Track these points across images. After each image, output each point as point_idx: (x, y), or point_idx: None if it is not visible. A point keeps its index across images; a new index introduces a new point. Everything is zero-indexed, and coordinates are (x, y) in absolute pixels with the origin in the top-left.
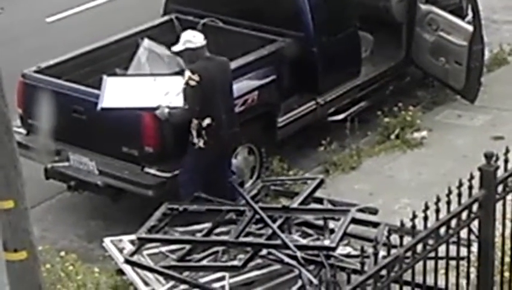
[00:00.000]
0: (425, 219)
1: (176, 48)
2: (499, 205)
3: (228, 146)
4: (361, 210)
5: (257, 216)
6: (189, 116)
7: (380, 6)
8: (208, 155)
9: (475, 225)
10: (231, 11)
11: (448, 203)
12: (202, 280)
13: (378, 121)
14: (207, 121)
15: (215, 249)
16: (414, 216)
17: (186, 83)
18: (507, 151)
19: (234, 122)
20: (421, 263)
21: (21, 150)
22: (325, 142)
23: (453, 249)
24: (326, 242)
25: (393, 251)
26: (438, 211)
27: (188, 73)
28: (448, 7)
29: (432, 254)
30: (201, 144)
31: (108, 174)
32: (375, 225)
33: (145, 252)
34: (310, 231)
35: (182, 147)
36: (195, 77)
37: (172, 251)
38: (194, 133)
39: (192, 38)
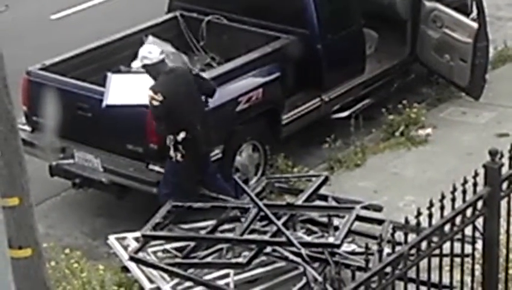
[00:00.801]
0: (430, 216)
1: (134, 65)
2: (503, 202)
3: (207, 155)
4: (365, 207)
5: (262, 213)
6: (164, 133)
7: (385, 3)
8: (187, 168)
9: (480, 222)
10: (235, 8)
11: (453, 200)
12: (207, 277)
13: (382, 118)
14: (182, 135)
15: (219, 246)
16: (419, 213)
17: (150, 103)
18: None
19: (209, 130)
20: (425, 260)
21: (26, 148)
22: (329, 140)
23: (457, 246)
24: (331, 239)
25: (397, 248)
26: (442, 208)
27: (150, 93)
28: (453, 4)
29: (437, 251)
30: (178, 157)
31: (113, 171)
32: (380, 222)
33: (149, 250)
34: (314, 228)
35: None
36: (158, 97)
37: (177, 248)
38: (171, 147)
39: (148, 55)
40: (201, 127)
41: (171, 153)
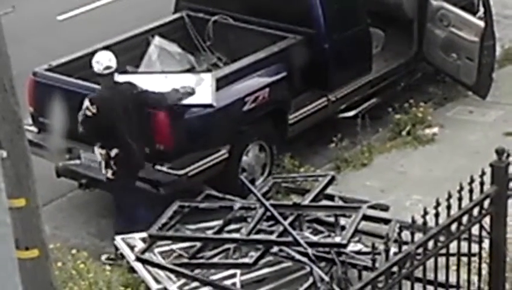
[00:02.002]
0: (437, 215)
1: (100, 71)
2: (510, 201)
3: (136, 173)
4: (372, 207)
5: (268, 213)
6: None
7: (391, 2)
8: (117, 185)
9: (486, 221)
10: (242, 8)
11: (460, 199)
12: (213, 277)
13: (389, 118)
14: (114, 151)
15: (226, 246)
16: (425, 213)
17: (84, 112)
18: None
19: (142, 149)
20: (432, 260)
21: (32, 148)
22: (336, 139)
23: (464, 245)
24: (338, 239)
25: (404, 247)
26: (449, 207)
27: (86, 102)
28: (460, 3)
29: (443, 251)
30: (109, 174)
31: None
32: (387, 221)
33: (156, 250)
34: (321, 228)
35: (193, 144)
36: (93, 109)
37: (183, 249)
38: (103, 164)
39: (109, 63)
40: (138, 145)
41: (103, 170)
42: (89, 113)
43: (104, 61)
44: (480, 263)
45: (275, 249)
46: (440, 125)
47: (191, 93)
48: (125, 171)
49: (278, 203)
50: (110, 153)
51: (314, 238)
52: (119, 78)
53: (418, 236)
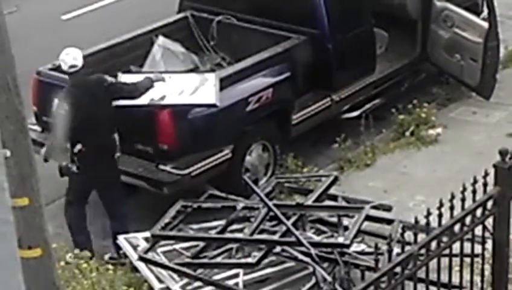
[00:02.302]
0: (440, 216)
1: (66, 69)
2: None
3: (111, 174)
4: (375, 207)
5: (271, 213)
6: (63, 142)
7: (395, 3)
8: (80, 181)
9: (490, 222)
10: (246, 9)
11: (463, 200)
12: (216, 277)
13: (393, 118)
14: (78, 146)
15: (229, 246)
16: (428, 213)
17: (56, 111)
18: None
19: (113, 145)
20: (435, 261)
21: (36, 148)
22: (339, 139)
23: (467, 246)
24: (341, 239)
25: (407, 248)
26: (452, 208)
27: (56, 100)
28: (463, 4)
29: (446, 251)
30: (74, 168)
31: (122, 171)
32: (390, 222)
33: (159, 250)
34: (324, 228)
35: (196, 144)
36: (64, 107)
37: (186, 248)
38: (69, 158)
39: (72, 62)
40: (104, 142)
41: (69, 164)
42: (62, 112)
43: (68, 60)
44: (483, 264)
45: (278, 249)
46: (443, 126)
47: (163, 81)
48: (87, 167)
49: (281, 203)
50: (74, 148)
51: (317, 239)
52: (123, 78)
53: (421, 237)
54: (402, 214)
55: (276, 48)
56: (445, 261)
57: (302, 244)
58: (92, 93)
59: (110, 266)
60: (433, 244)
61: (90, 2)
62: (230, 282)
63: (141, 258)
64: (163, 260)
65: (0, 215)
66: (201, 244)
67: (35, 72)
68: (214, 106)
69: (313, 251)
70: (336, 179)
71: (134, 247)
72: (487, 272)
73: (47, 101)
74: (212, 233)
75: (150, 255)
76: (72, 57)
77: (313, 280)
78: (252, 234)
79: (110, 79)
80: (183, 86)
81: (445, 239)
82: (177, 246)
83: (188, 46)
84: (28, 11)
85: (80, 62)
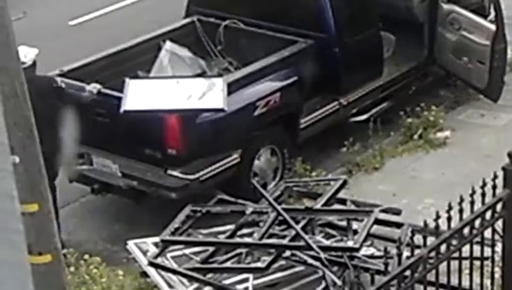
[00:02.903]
0: (449, 219)
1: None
2: None
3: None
4: (384, 211)
5: (280, 218)
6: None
7: (402, 6)
8: None
9: (499, 224)
10: (253, 13)
11: (472, 203)
12: (226, 282)
13: (401, 121)
14: None
15: (238, 251)
16: (438, 216)
17: None
18: None
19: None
20: (445, 264)
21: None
22: (347, 143)
23: (477, 249)
24: (350, 243)
25: (417, 251)
26: (461, 211)
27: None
28: (471, 6)
29: (456, 254)
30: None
31: (131, 176)
32: (399, 225)
33: (168, 255)
34: (333, 232)
35: (205, 149)
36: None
37: (196, 253)
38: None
39: (23, 59)
40: (51, 149)
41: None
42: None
43: (30, 52)
44: (493, 267)
45: (287, 253)
46: (452, 128)
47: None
48: None
49: (290, 208)
50: None
51: (327, 243)
52: (131, 82)
53: (431, 240)
54: (411, 217)
55: (283, 52)
56: (455, 264)
57: (311, 249)
58: (40, 90)
59: (120, 272)
60: (443, 247)
61: (98, 7)
62: (240, 287)
63: (151, 263)
64: (173, 265)
65: (10, 224)
66: (211, 249)
67: None
68: (221, 110)
69: (322, 255)
70: (344, 182)
71: (144, 252)
72: (497, 275)
73: None
74: (222, 238)
75: (159, 260)
76: (22, 54)
77: (323, 284)
78: (261, 238)
79: (59, 83)
80: (191, 90)
81: (454, 242)
82: (187, 251)
83: (195, 51)
84: (35, 17)
85: (29, 59)
